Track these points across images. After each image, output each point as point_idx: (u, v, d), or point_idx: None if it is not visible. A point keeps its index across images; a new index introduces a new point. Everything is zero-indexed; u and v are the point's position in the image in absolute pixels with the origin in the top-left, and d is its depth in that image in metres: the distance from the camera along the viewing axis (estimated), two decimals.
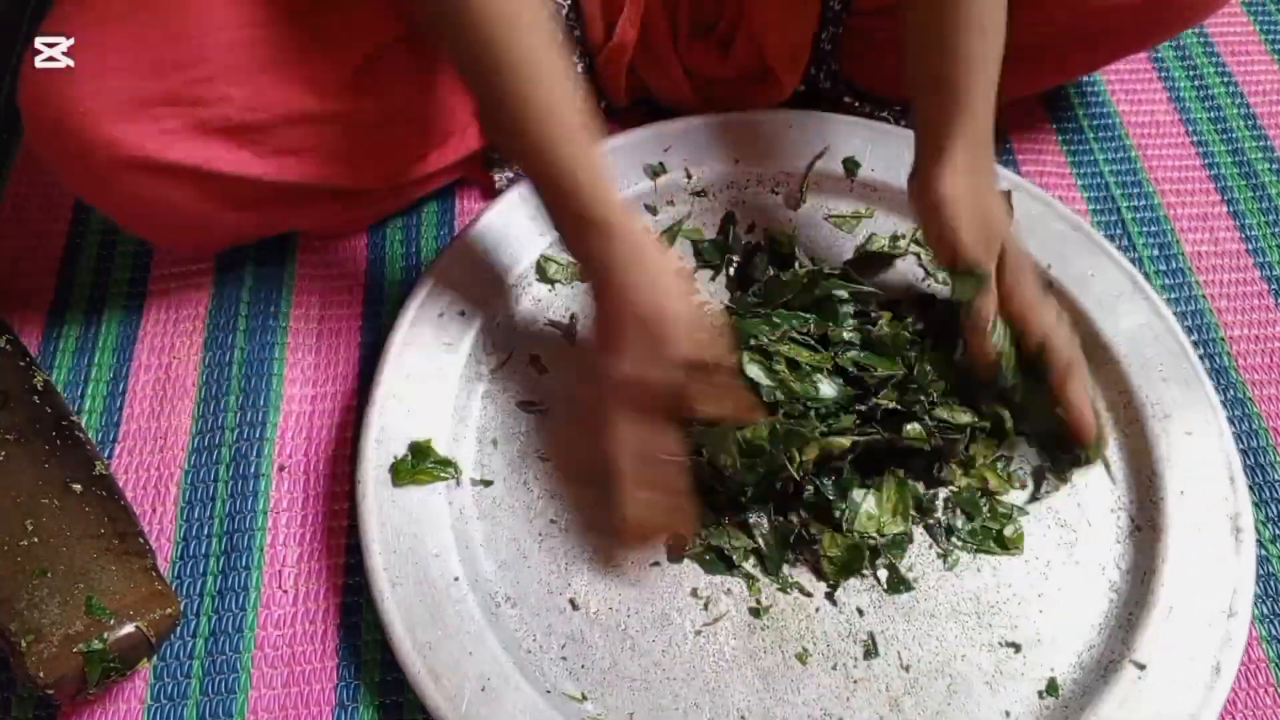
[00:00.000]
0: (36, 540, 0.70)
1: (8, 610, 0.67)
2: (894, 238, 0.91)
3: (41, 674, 0.65)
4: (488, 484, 0.79)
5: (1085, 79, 1.09)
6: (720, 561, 0.76)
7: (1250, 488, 0.80)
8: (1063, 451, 0.80)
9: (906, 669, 0.72)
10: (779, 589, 0.75)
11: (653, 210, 0.93)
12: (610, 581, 0.75)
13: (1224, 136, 1.07)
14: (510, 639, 0.72)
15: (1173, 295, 0.95)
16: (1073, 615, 0.74)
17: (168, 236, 0.89)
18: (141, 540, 0.74)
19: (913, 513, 0.77)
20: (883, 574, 0.75)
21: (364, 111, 0.84)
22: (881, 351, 0.79)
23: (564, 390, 0.84)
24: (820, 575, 0.76)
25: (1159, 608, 0.72)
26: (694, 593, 0.75)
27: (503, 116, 0.72)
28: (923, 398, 0.77)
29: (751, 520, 0.77)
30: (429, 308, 0.84)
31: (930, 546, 0.77)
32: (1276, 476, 0.85)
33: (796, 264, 0.88)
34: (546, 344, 0.86)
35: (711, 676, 0.72)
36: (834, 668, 0.72)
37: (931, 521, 0.78)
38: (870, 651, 0.73)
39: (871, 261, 0.89)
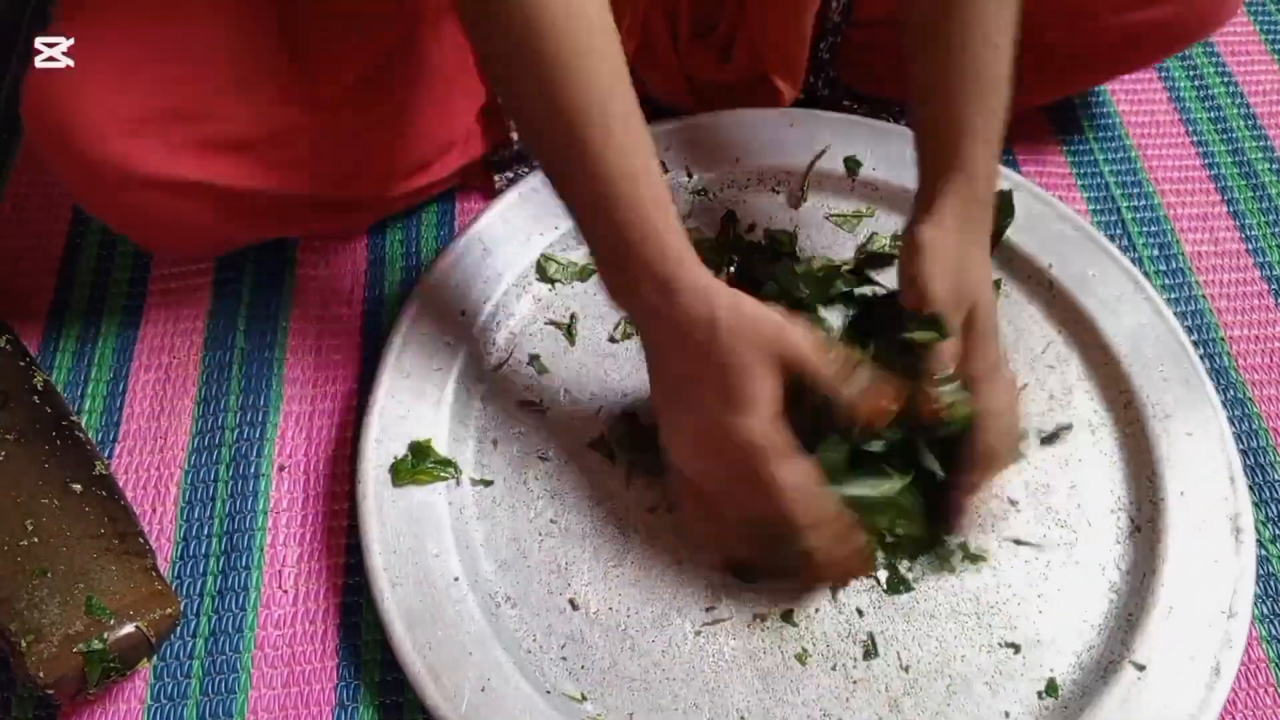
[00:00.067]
0: (36, 540, 0.70)
1: (8, 610, 0.67)
2: (895, 237, 0.91)
3: (41, 674, 0.65)
4: (488, 484, 0.79)
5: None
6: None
7: (1250, 488, 0.79)
8: (932, 521, 0.76)
9: (906, 669, 0.72)
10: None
11: None
12: (610, 582, 0.75)
13: (1224, 136, 1.07)
14: (510, 639, 0.72)
15: (1173, 295, 0.95)
16: (1072, 616, 0.74)
17: (169, 245, 0.90)
18: (141, 540, 0.74)
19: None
20: (882, 574, 0.75)
21: (367, 123, 0.84)
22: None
23: (564, 390, 0.84)
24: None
25: (1159, 608, 0.72)
26: (693, 593, 0.75)
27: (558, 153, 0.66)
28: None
29: None
30: (429, 307, 0.84)
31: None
32: (1276, 476, 0.85)
33: (810, 260, 0.87)
34: (546, 343, 0.86)
35: (711, 677, 0.72)
36: (833, 668, 0.72)
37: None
38: (870, 652, 0.73)
39: (872, 261, 0.89)
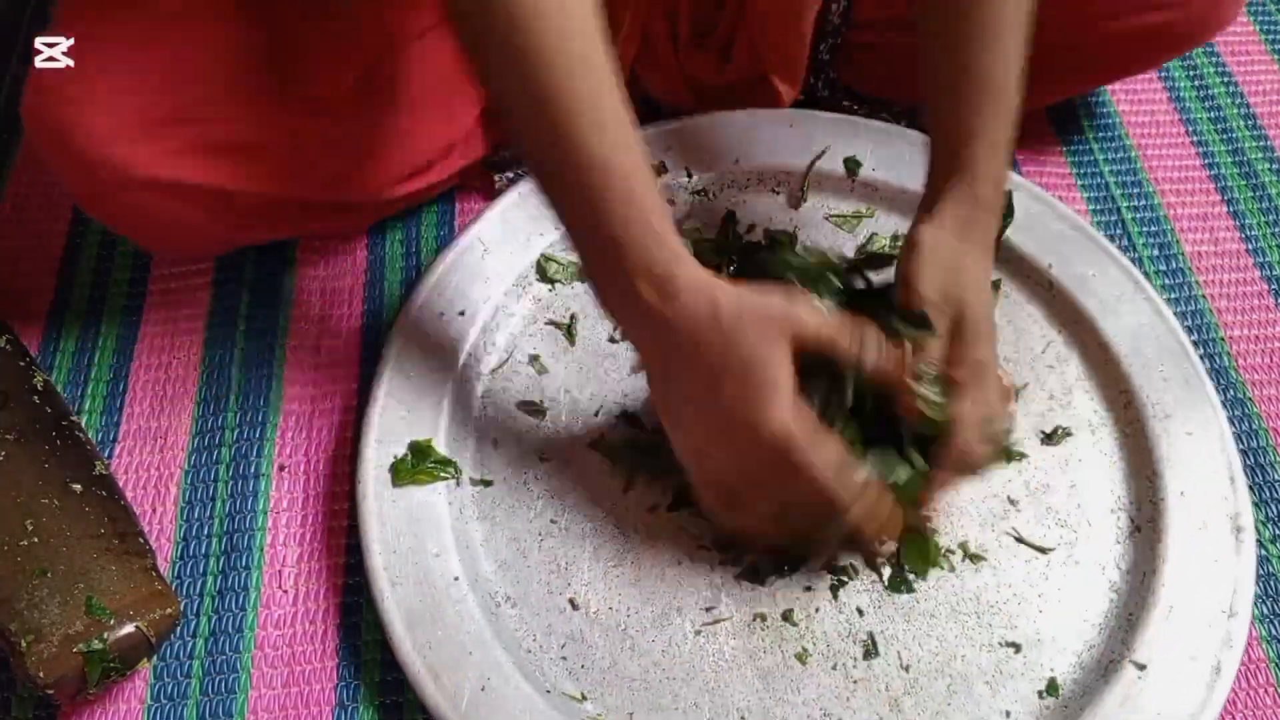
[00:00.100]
0: (36, 540, 0.70)
1: (8, 610, 0.67)
2: (895, 237, 0.91)
3: (41, 674, 0.65)
4: (488, 484, 0.79)
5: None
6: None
7: (1250, 488, 0.79)
8: None
9: (906, 669, 0.72)
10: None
11: None
12: (610, 581, 0.75)
13: (1224, 136, 1.07)
14: (510, 639, 0.72)
15: (1173, 295, 0.95)
16: (1073, 615, 0.74)
17: (168, 246, 0.90)
18: (141, 540, 0.74)
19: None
20: (885, 571, 0.75)
21: (367, 126, 0.84)
22: None
23: (564, 390, 0.84)
24: None
25: (1159, 608, 0.72)
26: (694, 593, 0.75)
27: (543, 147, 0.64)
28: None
29: None
30: (429, 307, 0.84)
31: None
32: (1276, 476, 0.85)
33: (808, 252, 0.87)
34: (547, 344, 0.86)
35: (711, 676, 0.72)
36: (834, 668, 0.72)
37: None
38: (870, 651, 0.73)
39: (872, 261, 0.89)
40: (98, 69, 0.71)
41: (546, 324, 0.87)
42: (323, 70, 0.80)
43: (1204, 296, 0.95)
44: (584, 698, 0.71)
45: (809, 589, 0.75)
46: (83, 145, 0.71)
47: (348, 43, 0.81)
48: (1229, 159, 1.05)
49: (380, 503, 0.75)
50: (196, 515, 0.81)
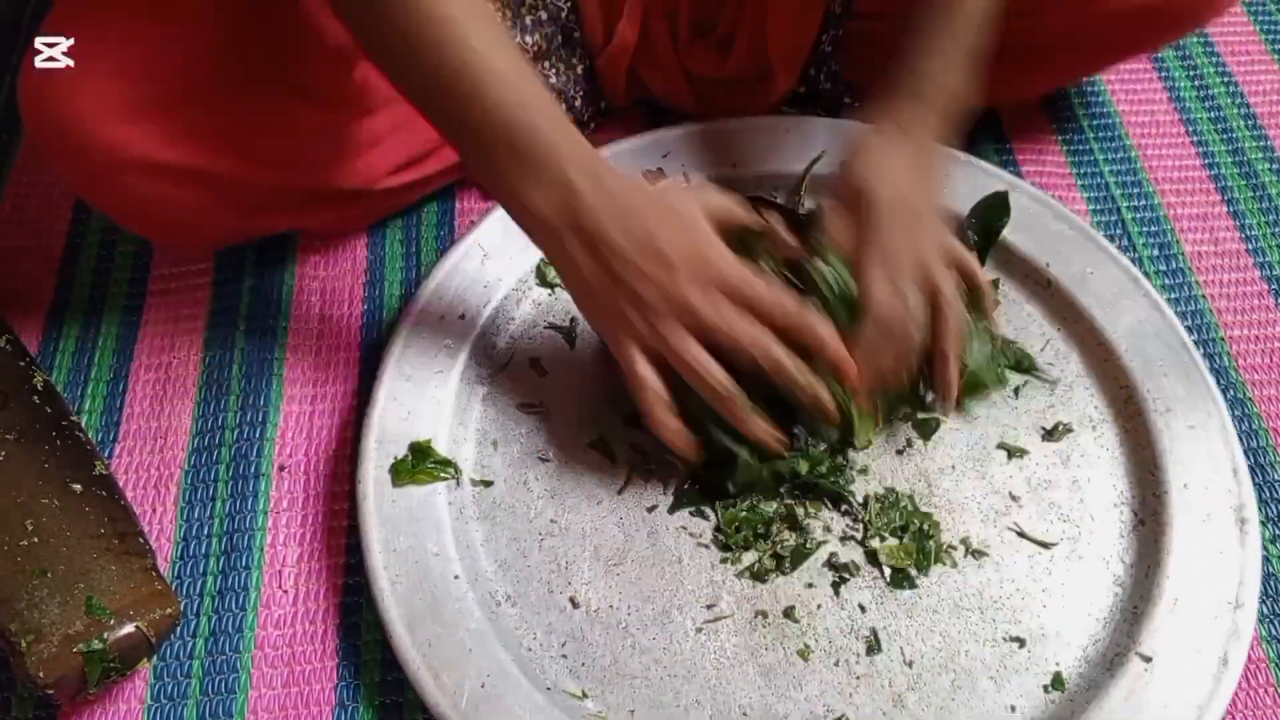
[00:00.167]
0: (36, 540, 0.70)
1: (8, 610, 0.67)
2: None
3: (41, 674, 0.65)
4: (488, 484, 0.79)
5: (1085, 79, 1.09)
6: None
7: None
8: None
9: (909, 665, 0.72)
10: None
11: None
12: (610, 580, 0.75)
13: (1224, 136, 1.07)
14: (510, 637, 0.72)
15: (1173, 295, 0.94)
16: (1077, 610, 0.74)
17: (167, 235, 0.90)
18: (141, 540, 0.74)
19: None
20: (887, 570, 0.75)
21: (362, 115, 0.84)
22: None
23: (564, 392, 0.84)
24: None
25: (1164, 601, 0.72)
26: (694, 590, 0.75)
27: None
28: None
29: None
30: (430, 310, 0.84)
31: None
32: (1277, 476, 0.84)
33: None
34: (547, 347, 0.86)
35: (713, 674, 0.72)
36: (836, 664, 0.72)
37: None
38: (873, 647, 0.72)
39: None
40: (92, 53, 0.72)
41: (547, 328, 0.87)
42: (315, 59, 0.80)
43: (1204, 296, 0.95)
44: (585, 695, 0.71)
45: (810, 585, 0.75)
46: (75, 124, 0.72)
47: (340, 32, 0.81)
48: (1229, 159, 1.05)
49: (380, 503, 0.75)
50: (196, 515, 0.81)
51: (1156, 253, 0.97)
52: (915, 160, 0.76)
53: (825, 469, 0.77)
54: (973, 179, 0.91)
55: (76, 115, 0.72)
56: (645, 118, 1.02)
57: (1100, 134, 1.06)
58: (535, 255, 0.88)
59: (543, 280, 0.89)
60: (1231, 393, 0.88)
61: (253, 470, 0.83)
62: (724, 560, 0.76)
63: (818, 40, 0.96)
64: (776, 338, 0.71)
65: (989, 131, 1.04)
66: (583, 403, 0.83)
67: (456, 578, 0.73)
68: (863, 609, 0.74)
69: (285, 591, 0.78)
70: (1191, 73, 1.12)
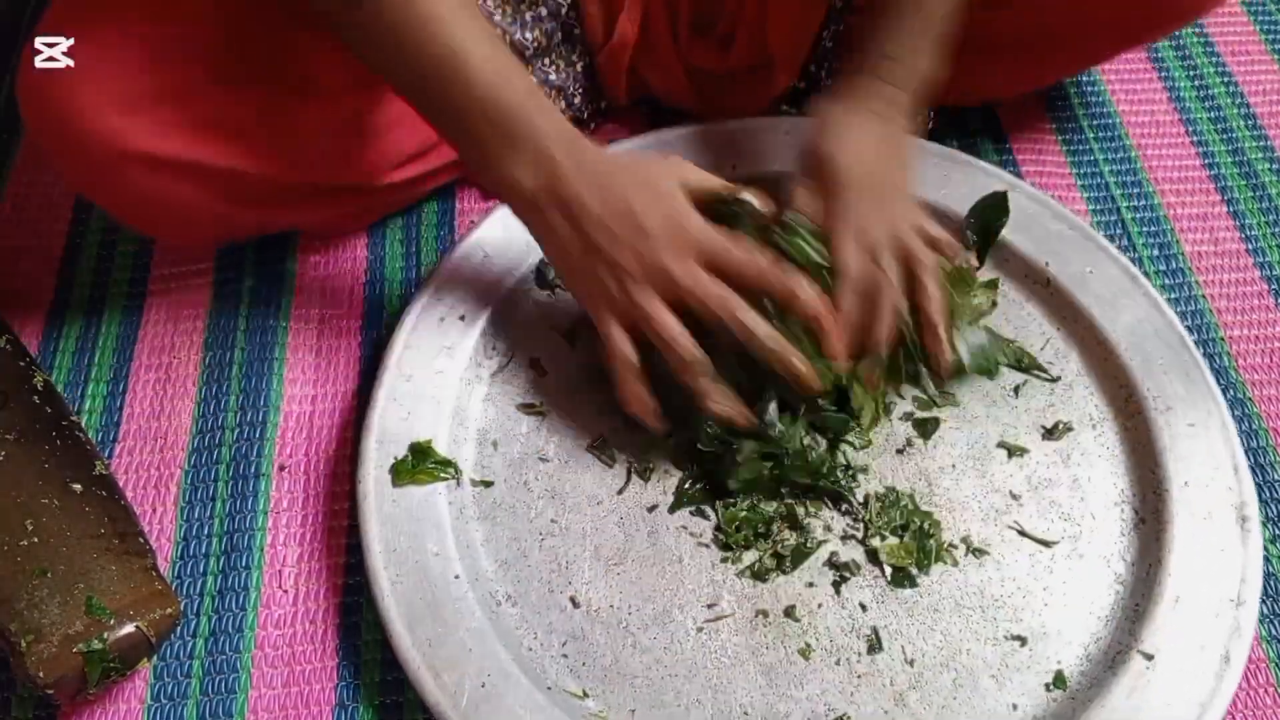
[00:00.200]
0: (36, 540, 0.70)
1: (8, 610, 0.67)
2: None
3: (41, 674, 0.65)
4: (488, 485, 0.79)
5: (1084, 78, 1.09)
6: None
7: None
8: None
9: (911, 663, 0.72)
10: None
11: None
12: (611, 579, 0.75)
13: (1224, 136, 1.07)
14: (511, 636, 0.72)
15: (1173, 295, 0.94)
16: (1078, 608, 0.74)
17: (167, 231, 0.90)
18: (141, 540, 0.74)
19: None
20: (888, 569, 0.75)
21: (360, 107, 0.84)
22: None
23: (564, 393, 0.84)
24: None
25: (1166, 599, 0.72)
26: (695, 590, 0.75)
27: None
28: None
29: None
30: (430, 311, 0.84)
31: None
32: (1277, 476, 0.84)
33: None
34: (547, 347, 0.86)
35: (714, 673, 0.72)
36: (837, 663, 0.72)
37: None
38: (874, 646, 0.72)
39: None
40: (89, 45, 0.73)
41: (547, 328, 0.87)
42: (315, 53, 0.80)
43: (1204, 296, 0.95)
44: (585, 695, 0.71)
45: (811, 585, 0.75)
46: (73, 117, 0.72)
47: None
48: (1229, 159, 1.05)
49: (380, 503, 0.75)
50: (196, 515, 0.81)
51: (1156, 252, 0.97)
52: (883, 140, 0.78)
53: (825, 469, 0.77)
54: (972, 179, 0.91)
55: (76, 110, 0.72)
56: (646, 117, 1.02)
57: (1100, 134, 1.06)
58: (535, 256, 0.88)
59: (543, 281, 0.89)
60: (1231, 393, 0.88)
61: (253, 470, 0.83)
62: (724, 559, 0.76)
63: (819, 36, 0.96)
64: (748, 304, 0.72)
65: (989, 131, 1.04)
66: (583, 403, 0.83)
67: (457, 577, 0.73)
68: (864, 608, 0.74)
69: (285, 591, 0.78)
70: (1191, 72, 1.12)
